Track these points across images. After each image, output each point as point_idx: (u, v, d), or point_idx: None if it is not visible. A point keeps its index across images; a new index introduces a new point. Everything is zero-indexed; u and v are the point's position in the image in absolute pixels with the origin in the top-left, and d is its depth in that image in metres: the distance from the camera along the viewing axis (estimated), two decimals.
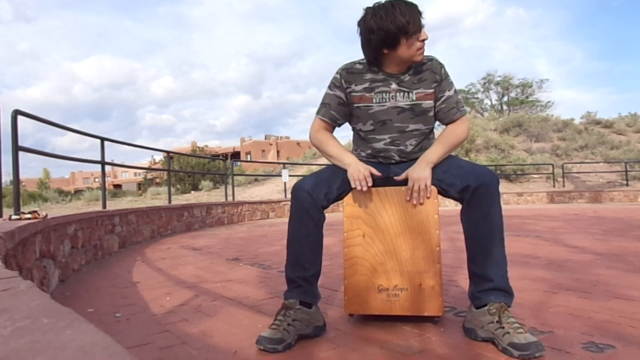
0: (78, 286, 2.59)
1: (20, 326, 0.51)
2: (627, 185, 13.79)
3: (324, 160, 13.80)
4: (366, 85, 1.66)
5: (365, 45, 1.60)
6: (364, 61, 1.67)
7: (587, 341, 1.39)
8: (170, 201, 7.17)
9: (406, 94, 1.65)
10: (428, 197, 1.61)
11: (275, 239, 4.81)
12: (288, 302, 1.56)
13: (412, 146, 1.69)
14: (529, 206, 11.31)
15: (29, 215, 2.47)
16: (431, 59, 1.66)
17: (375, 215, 1.66)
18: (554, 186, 14.25)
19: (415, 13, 1.51)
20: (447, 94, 1.67)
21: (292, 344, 1.44)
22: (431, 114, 1.68)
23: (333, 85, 1.70)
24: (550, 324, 1.58)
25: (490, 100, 32.38)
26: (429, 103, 1.66)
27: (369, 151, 1.73)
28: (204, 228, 6.87)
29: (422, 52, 1.59)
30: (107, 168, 5.35)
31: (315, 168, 12.00)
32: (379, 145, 1.70)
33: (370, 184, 1.61)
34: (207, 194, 15.02)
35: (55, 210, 10.43)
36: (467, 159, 13.24)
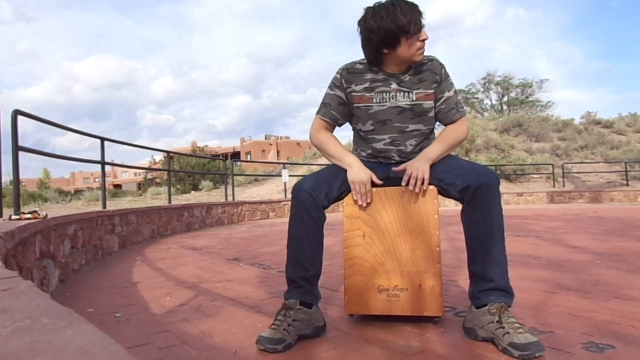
0: (78, 286, 2.59)
1: (20, 326, 0.51)
2: (627, 185, 13.79)
3: (324, 160, 13.80)
4: (366, 85, 1.66)
5: (366, 44, 1.60)
6: (365, 61, 1.67)
7: (587, 341, 1.39)
8: (170, 201, 7.17)
9: (406, 94, 1.65)
10: (425, 190, 1.60)
11: (275, 239, 4.81)
12: (288, 302, 1.56)
13: (412, 146, 1.69)
14: (529, 206, 11.31)
15: (29, 215, 2.47)
16: (432, 59, 1.66)
17: (375, 215, 1.66)
18: (554, 186, 14.25)
19: (415, 13, 1.51)
20: (447, 94, 1.67)
21: (292, 344, 1.44)
22: (431, 114, 1.68)
23: (333, 85, 1.70)
24: (550, 324, 1.58)
25: (490, 100, 32.41)
26: (429, 103, 1.66)
27: (369, 151, 1.73)
28: (204, 228, 6.87)
29: (422, 52, 1.59)
30: (107, 168, 5.35)
31: (315, 168, 12.00)
32: (379, 145, 1.70)
33: (370, 200, 1.62)
34: (207, 194, 15.02)
35: (55, 210, 10.43)
36: (467, 159, 13.23)
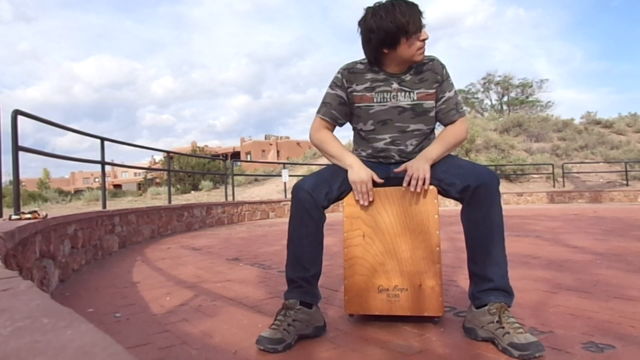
0: (78, 286, 2.59)
1: (20, 326, 0.51)
2: (627, 185, 13.79)
3: (324, 160, 13.80)
4: (367, 85, 1.66)
5: (366, 44, 1.60)
6: (365, 61, 1.67)
7: (587, 341, 1.39)
8: (170, 201, 7.17)
9: (407, 93, 1.65)
10: (426, 190, 1.60)
11: (275, 239, 4.81)
12: (288, 302, 1.56)
13: (413, 146, 1.69)
14: (529, 206, 11.31)
15: (29, 215, 2.47)
16: (432, 59, 1.66)
17: (375, 215, 1.66)
18: (554, 186, 14.25)
19: (415, 13, 1.51)
20: (447, 95, 1.67)
21: (292, 344, 1.44)
22: (432, 114, 1.68)
23: (334, 84, 1.70)
24: (550, 324, 1.58)
25: (490, 100, 32.42)
26: (430, 103, 1.66)
27: (370, 151, 1.73)
28: (204, 228, 6.87)
29: (423, 52, 1.59)
30: (107, 168, 5.35)
31: (315, 168, 12.00)
32: (380, 144, 1.70)
33: (371, 199, 1.62)
34: (207, 194, 15.02)
35: (55, 210, 10.43)
36: (467, 159, 13.24)
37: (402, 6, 1.50)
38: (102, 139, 4.94)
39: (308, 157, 20.68)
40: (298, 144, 49.66)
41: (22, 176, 3.31)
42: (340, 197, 1.67)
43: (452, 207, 9.39)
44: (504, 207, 1.58)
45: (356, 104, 1.68)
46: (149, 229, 5.29)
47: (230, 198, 8.96)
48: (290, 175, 10.77)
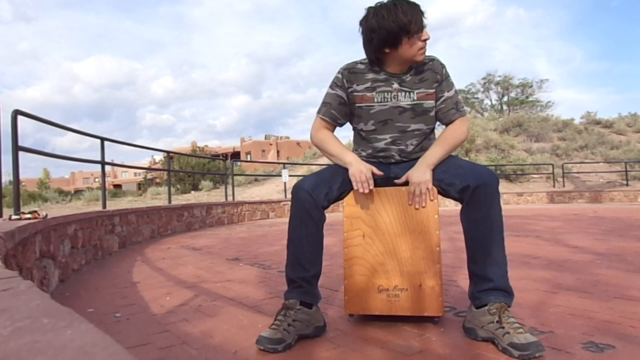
0: (78, 286, 2.59)
1: (20, 326, 0.51)
2: (627, 185, 13.79)
3: (324, 160, 13.81)
4: (368, 85, 1.66)
5: (367, 44, 1.60)
6: (366, 61, 1.67)
7: (587, 341, 1.39)
8: (170, 201, 7.17)
9: (408, 93, 1.65)
10: (432, 200, 1.61)
11: (275, 239, 4.81)
12: (288, 303, 1.56)
13: (413, 146, 1.69)
14: (529, 206, 11.31)
15: (29, 215, 2.47)
16: (432, 59, 1.66)
17: (375, 215, 1.66)
18: (554, 186, 14.25)
19: (417, 13, 1.52)
20: (446, 94, 1.67)
21: (292, 344, 1.44)
22: (432, 114, 1.68)
23: (334, 84, 1.70)
24: (550, 324, 1.58)
25: (490, 100, 32.42)
26: (430, 103, 1.66)
27: (370, 151, 1.73)
28: (204, 228, 6.87)
29: (424, 52, 1.59)
30: (107, 168, 5.35)
31: (315, 168, 12.00)
32: (380, 144, 1.70)
33: (372, 187, 1.61)
34: (207, 194, 15.02)
35: (55, 210, 10.43)
36: (467, 159, 13.24)
37: (404, 6, 1.51)
38: (102, 139, 4.94)
39: (308, 157, 20.68)
40: (298, 144, 49.67)
41: (22, 176, 3.31)
42: (340, 197, 1.67)
43: (452, 207, 9.39)
44: (504, 207, 1.58)
45: (357, 104, 1.68)
46: (149, 229, 5.29)
47: (230, 198, 8.96)
48: (290, 175, 10.77)
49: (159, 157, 35.49)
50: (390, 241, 1.64)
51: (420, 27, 1.54)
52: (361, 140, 1.77)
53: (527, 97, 30.97)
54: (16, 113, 3.22)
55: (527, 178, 15.52)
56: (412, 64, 1.63)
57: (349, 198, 1.68)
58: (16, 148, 3.17)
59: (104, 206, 5.02)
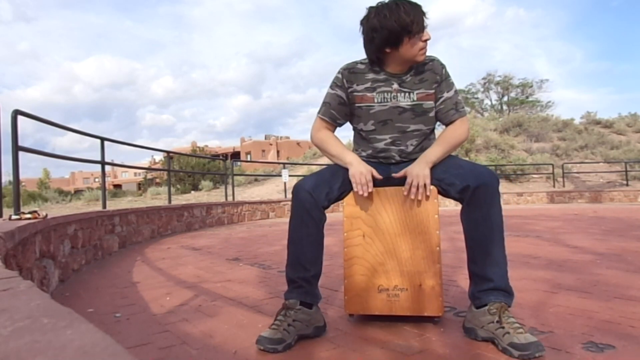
0: (78, 286, 2.59)
1: (20, 326, 0.51)
2: (627, 185, 13.79)
3: (324, 160, 13.81)
4: (368, 85, 1.66)
5: (368, 44, 1.60)
6: (366, 61, 1.67)
7: (587, 341, 1.39)
8: (170, 201, 7.17)
9: (407, 94, 1.65)
10: (427, 196, 1.60)
11: (275, 239, 4.81)
12: (288, 303, 1.56)
13: (413, 146, 1.69)
14: (529, 206, 11.31)
15: (29, 215, 2.47)
16: (433, 60, 1.66)
17: (375, 215, 1.66)
18: (554, 186, 14.25)
19: (419, 13, 1.52)
20: (445, 95, 1.67)
21: (292, 344, 1.44)
22: (432, 114, 1.68)
23: (334, 84, 1.70)
24: (550, 324, 1.58)
25: (490, 100, 32.44)
26: (429, 103, 1.66)
27: (370, 151, 1.73)
28: (204, 228, 6.87)
29: (425, 52, 1.59)
30: (107, 168, 5.35)
31: (315, 168, 12.00)
32: (380, 145, 1.70)
33: (371, 190, 1.61)
34: (207, 194, 15.02)
35: (55, 210, 10.43)
36: (467, 159, 13.24)
37: (406, 6, 1.51)
38: (102, 139, 4.94)
39: (308, 157, 20.69)
40: (298, 144, 49.67)
41: (22, 176, 3.31)
42: (340, 197, 1.67)
43: (452, 207, 9.39)
44: (504, 207, 1.58)
45: (357, 104, 1.68)
46: (149, 229, 5.29)
47: (230, 198, 8.96)
48: (290, 175, 10.78)
49: (159, 157, 35.50)
50: (390, 241, 1.64)
51: (422, 28, 1.54)
52: (361, 140, 1.77)
53: (527, 97, 30.99)
54: (16, 113, 3.22)
55: (527, 178, 15.52)
56: (412, 64, 1.63)
57: (349, 198, 1.68)
58: (16, 148, 3.17)
59: (104, 206, 5.02)
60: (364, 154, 1.75)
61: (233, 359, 1.36)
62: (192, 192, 16.80)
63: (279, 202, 9.49)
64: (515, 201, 12.53)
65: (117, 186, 45.68)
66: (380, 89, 1.65)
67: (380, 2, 1.56)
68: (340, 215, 1.77)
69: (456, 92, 1.71)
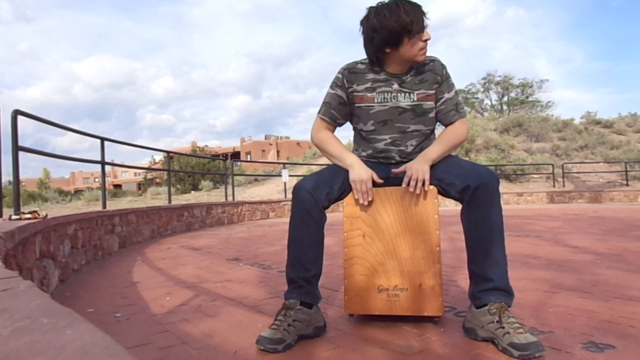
0: (78, 286, 2.59)
1: (20, 326, 0.51)
2: (627, 185, 13.79)
3: (324, 160, 13.80)
4: (368, 85, 1.66)
5: (368, 44, 1.60)
6: (366, 61, 1.67)
7: (587, 341, 1.39)
8: (170, 201, 7.17)
9: (408, 94, 1.65)
10: (426, 191, 1.60)
11: (275, 239, 4.81)
12: (288, 303, 1.56)
13: (413, 147, 1.69)
14: (529, 206, 11.31)
15: (29, 215, 2.47)
16: (433, 60, 1.66)
17: (375, 215, 1.66)
18: (554, 186, 14.25)
19: (419, 13, 1.52)
20: (446, 95, 1.67)
21: (292, 344, 1.44)
22: (432, 114, 1.68)
23: (335, 84, 1.70)
24: (550, 324, 1.58)
25: (490, 100, 32.43)
26: (430, 104, 1.66)
27: (370, 151, 1.73)
28: (204, 228, 6.87)
29: (425, 53, 1.59)
30: (107, 168, 5.35)
31: (315, 168, 12.00)
32: (380, 145, 1.70)
33: (371, 198, 1.62)
34: (207, 194, 15.02)
35: (55, 210, 10.43)
36: (467, 159, 13.24)
37: (406, 6, 1.51)
38: (102, 139, 4.94)
39: (308, 157, 20.69)
40: (298, 144, 49.67)
41: (22, 176, 3.31)
42: (340, 197, 1.67)
43: (452, 207, 9.39)
44: (504, 207, 1.58)
45: (357, 104, 1.68)
46: (149, 229, 5.29)
47: (230, 198, 8.96)
48: (290, 175, 10.77)
49: (159, 157, 35.50)
50: (390, 241, 1.64)
51: (422, 27, 1.54)
52: (361, 140, 1.77)
53: (527, 97, 30.98)
54: (16, 113, 3.22)
55: (527, 178, 15.52)
56: (412, 64, 1.63)
57: (349, 198, 1.68)
58: (16, 148, 3.17)
59: (104, 206, 5.02)
60: (363, 154, 1.75)
61: (233, 359, 1.36)
62: (192, 192, 16.80)
63: (279, 202, 9.48)
64: (515, 201, 12.53)
65: (117, 186, 45.68)
66: (381, 89, 1.65)
67: (380, 2, 1.56)
68: (340, 215, 1.77)
69: (456, 93, 1.71)
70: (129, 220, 4.66)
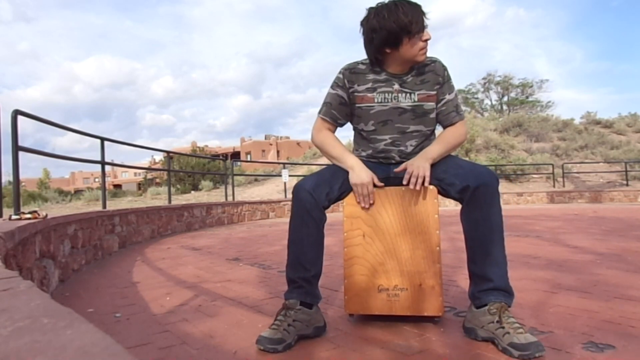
0: (78, 286, 2.59)
1: (20, 326, 0.51)
2: (627, 185, 13.79)
3: (324, 160, 13.80)
4: (369, 85, 1.66)
5: (368, 44, 1.60)
6: (367, 61, 1.67)
7: (587, 341, 1.39)
8: (170, 201, 7.17)
9: (408, 95, 1.65)
10: (426, 189, 1.60)
11: (275, 239, 4.81)
12: (289, 303, 1.56)
13: (413, 147, 1.69)
14: (529, 206, 11.31)
15: (29, 215, 2.47)
16: (434, 61, 1.66)
17: (375, 215, 1.66)
18: (554, 186, 14.25)
19: (418, 13, 1.52)
20: (447, 97, 1.68)
21: (292, 344, 1.44)
22: (432, 115, 1.68)
23: (336, 84, 1.71)
24: (550, 324, 1.58)
25: (490, 100, 32.43)
26: (430, 105, 1.66)
27: (370, 151, 1.73)
28: (204, 228, 6.87)
29: (425, 53, 1.59)
30: (107, 168, 5.35)
31: (315, 168, 12.00)
32: (380, 145, 1.70)
33: (372, 201, 1.62)
34: (207, 194, 15.02)
35: (55, 210, 10.43)
36: (467, 159, 13.24)
37: (405, 6, 1.51)
38: (102, 139, 4.94)
39: (308, 157, 20.69)
40: (298, 144, 49.67)
41: (22, 176, 3.31)
42: (340, 197, 1.67)
43: (452, 207, 9.39)
44: (503, 207, 1.58)
45: (357, 104, 1.68)
46: (149, 229, 5.29)
47: (230, 198, 8.96)
48: (290, 175, 10.77)
49: (159, 157, 35.49)
50: (391, 241, 1.64)
51: (422, 28, 1.54)
52: (361, 140, 1.77)
53: (527, 97, 30.98)
54: (16, 113, 3.22)
55: (527, 178, 15.52)
56: (413, 65, 1.63)
57: (349, 198, 1.68)
58: (16, 148, 3.17)
59: (104, 206, 5.02)
60: (363, 154, 1.75)
61: (233, 359, 1.36)
62: (192, 192, 16.80)
63: (279, 202, 9.49)
64: (515, 201, 12.53)
65: (117, 186, 45.67)
66: (381, 89, 1.65)
67: (379, 3, 1.56)
68: (340, 215, 1.77)
69: (456, 94, 1.71)
70: (129, 220, 4.66)
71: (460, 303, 1.89)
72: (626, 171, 14.10)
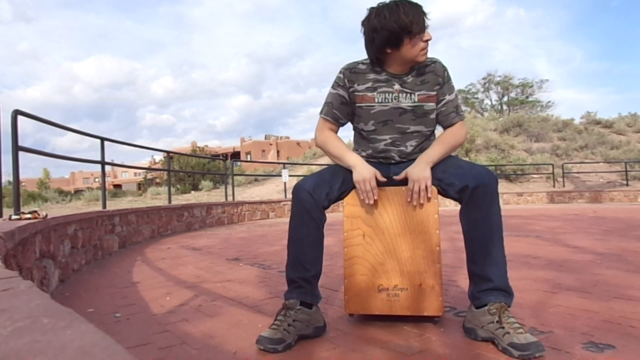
0: (78, 286, 2.59)
1: (20, 326, 0.51)
2: (627, 185, 13.79)
3: (324, 160, 13.82)
4: (369, 85, 1.66)
5: (368, 44, 1.60)
6: (367, 61, 1.67)
7: (587, 341, 1.39)
8: (170, 201, 7.17)
9: (409, 95, 1.65)
10: (429, 197, 1.60)
11: (275, 239, 4.81)
12: (288, 303, 1.56)
13: (413, 147, 1.69)
14: (529, 206, 11.31)
15: (29, 215, 2.47)
16: (435, 61, 1.66)
17: (375, 215, 1.66)
18: (554, 186, 14.25)
19: (419, 13, 1.52)
20: (447, 97, 1.68)
21: (292, 344, 1.44)
22: (432, 116, 1.68)
23: (336, 84, 1.71)
24: (550, 324, 1.58)
25: (490, 100, 32.45)
26: (430, 105, 1.66)
27: (370, 151, 1.73)
28: (204, 228, 6.87)
29: (426, 53, 1.59)
30: (107, 168, 5.35)
31: (315, 168, 12.01)
32: (380, 145, 1.70)
33: (376, 197, 1.62)
34: (207, 194, 15.02)
35: (55, 210, 10.43)
36: (467, 159, 13.25)
37: (406, 6, 1.51)
38: (102, 139, 4.94)
39: (308, 157, 20.69)
40: (298, 144, 49.67)
41: (22, 176, 3.31)
42: (340, 197, 1.67)
43: (452, 207, 9.38)
44: (503, 207, 1.59)
45: (357, 104, 1.68)
46: (149, 229, 5.29)
47: (230, 198, 8.96)
48: (290, 175, 10.77)
49: (159, 157, 35.49)
50: (391, 241, 1.64)
51: (422, 28, 1.54)
52: (361, 140, 1.77)
53: (527, 97, 31.00)
54: (16, 113, 3.22)
55: (527, 178, 15.52)
56: (413, 65, 1.64)
57: (349, 198, 1.68)
58: (16, 148, 3.17)
59: (104, 206, 5.02)
60: (363, 154, 1.75)
61: (233, 359, 1.36)
62: (192, 192, 16.80)
63: (279, 202, 9.49)
64: (515, 201, 12.53)
65: (117, 186, 45.67)
66: (381, 89, 1.65)
67: (380, 3, 1.56)
68: (340, 215, 1.77)
69: (456, 95, 1.71)
70: (129, 220, 4.66)
71: (460, 303, 1.89)
72: (626, 171, 14.11)
